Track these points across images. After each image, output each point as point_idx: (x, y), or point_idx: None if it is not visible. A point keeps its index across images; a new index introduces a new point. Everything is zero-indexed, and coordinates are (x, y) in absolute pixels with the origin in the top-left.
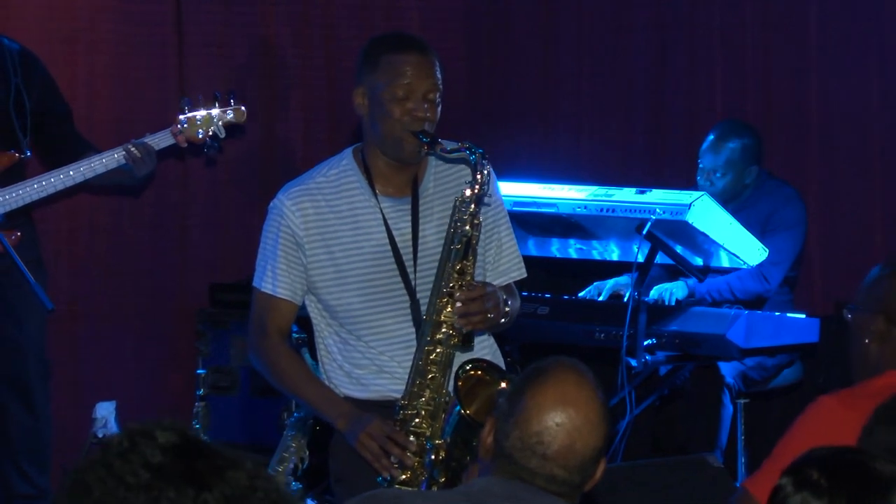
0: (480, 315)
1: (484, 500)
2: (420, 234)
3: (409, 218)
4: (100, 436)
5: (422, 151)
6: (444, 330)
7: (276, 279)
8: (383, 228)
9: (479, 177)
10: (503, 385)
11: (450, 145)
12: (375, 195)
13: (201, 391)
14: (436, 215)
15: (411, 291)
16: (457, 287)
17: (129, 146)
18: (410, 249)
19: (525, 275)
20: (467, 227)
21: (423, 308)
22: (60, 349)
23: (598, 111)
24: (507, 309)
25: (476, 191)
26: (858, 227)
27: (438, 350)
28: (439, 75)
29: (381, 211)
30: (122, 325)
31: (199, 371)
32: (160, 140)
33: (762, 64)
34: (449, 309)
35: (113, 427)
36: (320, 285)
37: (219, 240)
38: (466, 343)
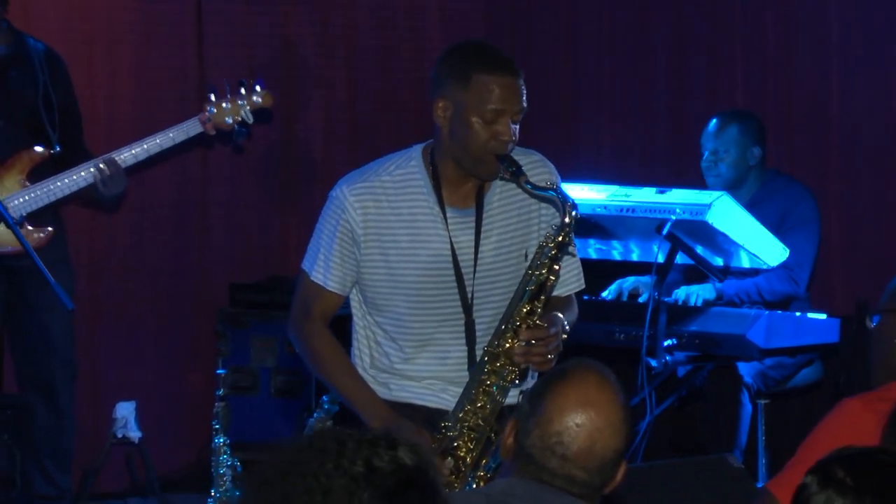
0: (541, 357)
1: (505, 501)
2: (480, 248)
3: (471, 231)
4: (119, 436)
5: (502, 175)
6: (501, 362)
7: (328, 271)
8: (444, 239)
9: (567, 223)
10: None
11: (532, 170)
12: (441, 203)
13: (221, 391)
14: (496, 230)
15: (467, 308)
16: (523, 326)
17: (99, 164)
18: (471, 264)
19: (583, 286)
20: (544, 272)
21: (478, 327)
22: (80, 349)
23: (619, 111)
24: (564, 336)
25: (561, 239)
26: (879, 227)
27: (492, 381)
28: (525, 94)
29: (445, 221)
30: (143, 324)
31: (219, 371)
32: (189, 128)
33: (783, 64)
34: (510, 344)
35: (133, 427)
36: (370, 284)
37: (239, 239)
38: (522, 378)
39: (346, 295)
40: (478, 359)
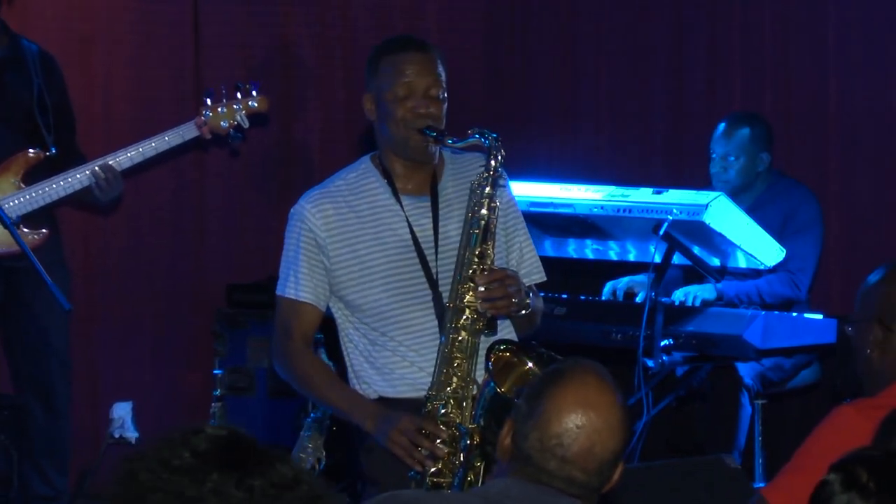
0: (504, 299)
1: (502, 502)
2: (441, 229)
3: (430, 214)
4: (116, 436)
5: (429, 147)
6: (467, 315)
7: (298, 284)
8: (405, 224)
9: (492, 161)
10: (531, 365)
11: (459, 140)
12: (395, 194)
13: (218, 391)
14: (455, 213)
15: (433, 283)
16: (478, 272)
17: (96, 169)
18: (432, 244)
19: (545, 278)
20: (484, 211)
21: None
22: (77, 350)
23: (617, 111)
24: (527, 301)
25: (491, 173)
26: (878, 226)
27: (462, 336)
28: (441, 71)
29: (403, 208)
30: (140, 325)
31: (215, 371)
32: (185, 132)
33: (782, 63)
34: (470, 295)
35: (129, 427)
36: (346, 284)
37: (236, 240)
38: (490, 328)
39: (322, 308)
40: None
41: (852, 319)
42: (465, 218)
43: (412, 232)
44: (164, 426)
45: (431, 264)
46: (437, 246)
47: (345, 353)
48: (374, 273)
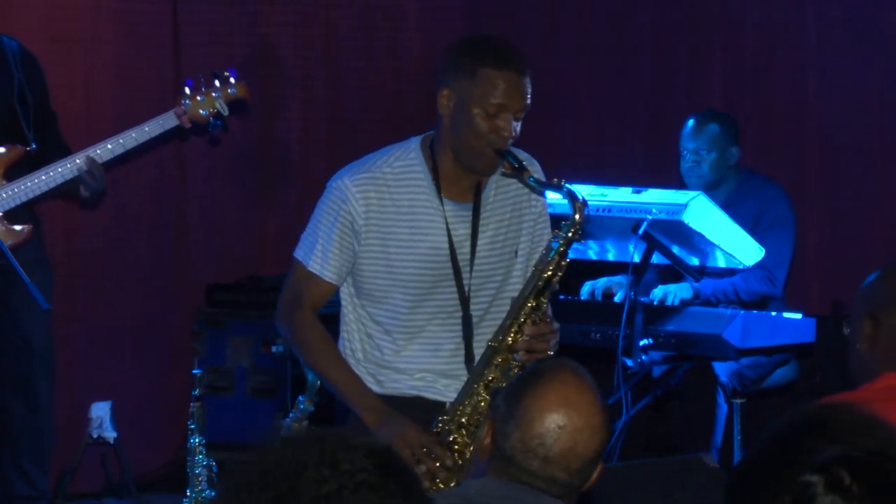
0: (543, 354)
1: (481, 501)
2: (478, 242)
3: (469, 224)
4: (95, 436)
5: (503, 171)
6: (503, 357)
7: (326, 261)
8: (443, 231)
9: (577, 220)
10: None
11: (534, 168)
12: (440, 196)
13: (197, 391)
14: (492, 225)
15: (464, 301)
16: (528, 322)
17: (79, 162)
18: (467, 257)
19: None
20: (552, 267)
21: (475, 317)
22: (56, 348)
23: (597, 111)
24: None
25: (571, 235)
26: (856, 226)
27: (493, 376)
28: (530, 92)
29: (444, 214)
30: (119, 324)
31: (195, 371)
32: (164, 122)
33: (762, 64)
34: (512, 338)
35: (108, 427)
36: (368, 276)
37: (216, 240)
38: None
39: (340, 286)
40: (474, 353)
41: (849, 320)
42: (534, 269)
43: (450, 242)
44: (143, 426)
45: (465, 278)
46: (472, 260)
47: (340, 334)
48: (399, 274)
